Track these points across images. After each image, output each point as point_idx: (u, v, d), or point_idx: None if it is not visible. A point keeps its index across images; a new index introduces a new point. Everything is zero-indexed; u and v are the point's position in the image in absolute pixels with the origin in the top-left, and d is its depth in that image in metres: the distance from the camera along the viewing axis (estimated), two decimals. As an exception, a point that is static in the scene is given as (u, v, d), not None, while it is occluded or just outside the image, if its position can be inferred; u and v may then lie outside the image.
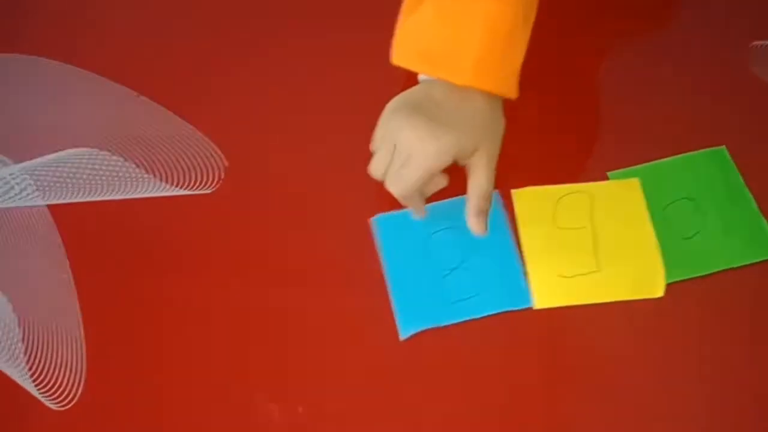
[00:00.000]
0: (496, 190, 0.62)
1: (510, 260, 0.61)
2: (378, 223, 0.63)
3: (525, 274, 0.60)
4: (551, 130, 0.67)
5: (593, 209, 0.62)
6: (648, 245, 0.60)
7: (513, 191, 0.63)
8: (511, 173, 0.62)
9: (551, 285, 0.59)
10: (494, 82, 0.57)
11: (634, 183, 0.63)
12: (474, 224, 0.57)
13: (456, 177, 0.61)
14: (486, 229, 0.58)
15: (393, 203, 0.60)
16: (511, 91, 0.58)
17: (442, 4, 0.56)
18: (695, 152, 0.65)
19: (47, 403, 0.58)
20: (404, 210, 0.62)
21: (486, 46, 0.55)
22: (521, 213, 0.62)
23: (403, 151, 0.56)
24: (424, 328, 0.59)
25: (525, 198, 0.63)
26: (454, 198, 0.62)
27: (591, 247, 0.60)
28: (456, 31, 0.56)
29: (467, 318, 0.59)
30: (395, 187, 0.57)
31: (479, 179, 0.57)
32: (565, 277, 0.60)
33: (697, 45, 0.71)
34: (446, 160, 0.56)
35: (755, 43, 0.70)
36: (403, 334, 0.59)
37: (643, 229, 0.61)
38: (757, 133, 0.65)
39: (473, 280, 0.60)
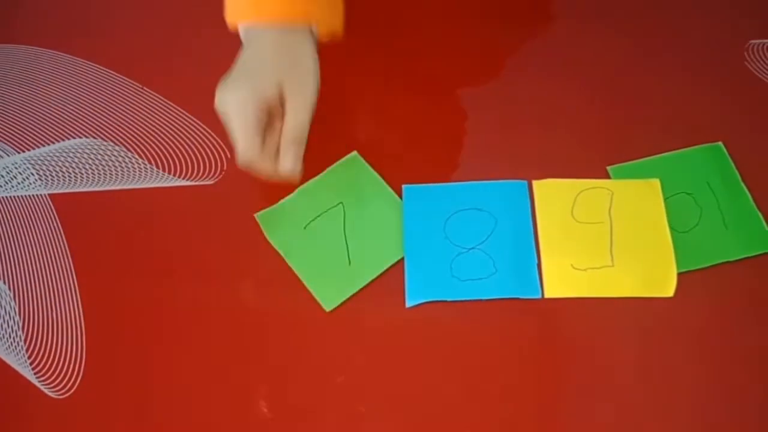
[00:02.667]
0: (526, 180, 0.64)
1: (527, 250, 0.61)
2: (406, 192, 0.64)
3: (539, 265, 0.61)
4: (552, 125, 0.68)
5: (612, 206, 0.62)
6: (663, 245, 0.61)
7: (534, 182, 0.64)
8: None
9: (563, 275, 0.60)
10: (276, 12, 0.57)
11: (655, 183, 0.63)
12: (281, 159, 0.57)
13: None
14: (294, 167, 0.57)
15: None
16: (310, 17, 0.58)
17: None
18: (693, 148, 0.65)
19: (46, 391, 0.58)
20: (432, 184, 0.64)
21: None
22: (541, 203, 0.63)
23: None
24: (430, 299, 0.59)
25: (545, 189, 0.64)
26: (482, 181, 0.64)
27: (607, 242, 0.61)
28: None
29: (475, 298, 0.59)
30: (238, 150, 0.56)
31: (287, 115, 0.57)
32: (578, 269, 0.60)
33: (695, 43, 0.72)
34: (253, 107, 0.55)
35: (752, 41, 0.71)
36: (410, 302, 0.59)
37: (659, 229, 0.61)
38: (754, 129, 0.66)
39: (487, 263, 0.61)
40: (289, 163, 0.57)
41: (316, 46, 0.58)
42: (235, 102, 0.56)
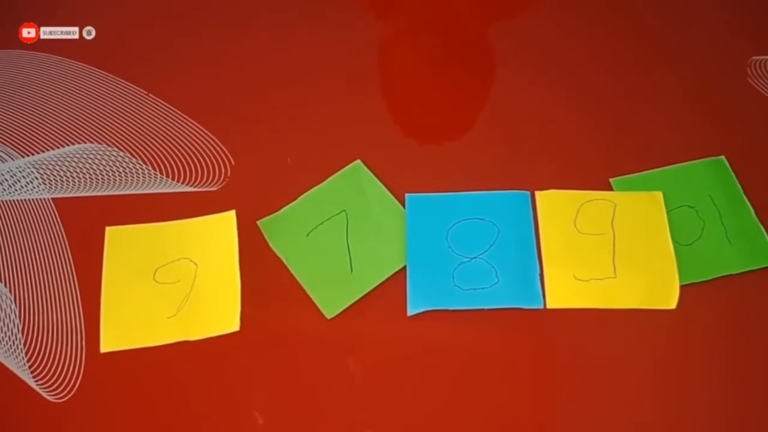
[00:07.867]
0: (529, 191, 0.64)
1: (529, 260, 0.61)
2: (408, 201, 0.64)
3: (541, 275, 0.61)
4: (555, 137, 0.68)
5: (615, 217, 0.63)
6: (665, 257, 0.61)
7: (537, 192, 0.64)
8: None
9: (566, 286, 0.60)
10: None
11: (657, 196, 0.63)
12: None
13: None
14: None
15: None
16: None
17: None
18: (695, 161, 0.66)
19: (45, 395, 0.57)
20: (435, 194, 0.64)
21: None
22: (543, 214, 0.63)
23: None
24: (432, 308, 0.59)
25: (548, 200, 0.64)
26: (486, 191, 0.64)
27: (609, 254, 0.61)
28: None
29: (476, 307, 0.59)
30: None
31: None
32: (581, 280, 0.60)
33: (698, 58, 0.72)
34: None
35: (754, 57, 0.71)
36: (411, 311, 0.59)
37: (661, 241, 0.61)
38: (755, 144, 0.67)
39: (490, 273, 0.61)
40: None
41: None
42: None
